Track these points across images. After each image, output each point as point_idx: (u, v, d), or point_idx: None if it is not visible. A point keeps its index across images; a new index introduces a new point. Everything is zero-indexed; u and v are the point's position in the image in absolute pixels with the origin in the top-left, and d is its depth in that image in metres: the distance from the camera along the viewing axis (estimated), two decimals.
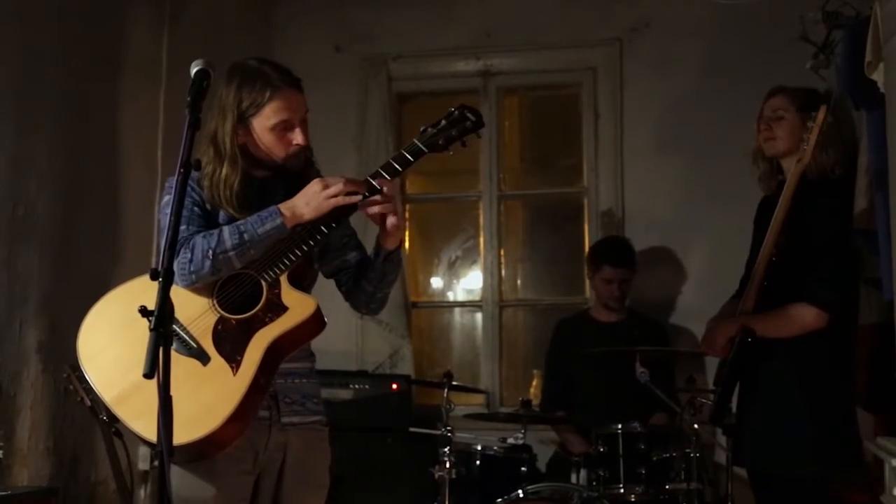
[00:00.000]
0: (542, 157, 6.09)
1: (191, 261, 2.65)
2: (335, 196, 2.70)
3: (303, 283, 2.79)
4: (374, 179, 2.77)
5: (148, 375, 2.03)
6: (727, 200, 5.07)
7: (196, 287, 2.70)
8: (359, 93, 5.76)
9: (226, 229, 2.68)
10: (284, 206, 2.71)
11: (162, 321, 2.08)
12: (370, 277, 2.90)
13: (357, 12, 5.80)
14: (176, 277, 2.62)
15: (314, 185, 2.72)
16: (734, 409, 3.74)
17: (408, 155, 2.80)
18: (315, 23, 5.83)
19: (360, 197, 2.74)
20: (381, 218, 2.80)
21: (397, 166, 2.79)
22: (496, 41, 5.72)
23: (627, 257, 5.09)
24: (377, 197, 2.76)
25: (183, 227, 2.68)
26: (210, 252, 2.65)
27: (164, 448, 2.03)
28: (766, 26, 5.19)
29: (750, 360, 3.51)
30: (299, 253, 2.72)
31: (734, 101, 5.06)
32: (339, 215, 2.75)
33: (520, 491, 4.15)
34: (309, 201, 2.71)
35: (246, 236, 2.67)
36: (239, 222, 2.70)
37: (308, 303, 2.71)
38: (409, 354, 5.50)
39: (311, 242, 2.74)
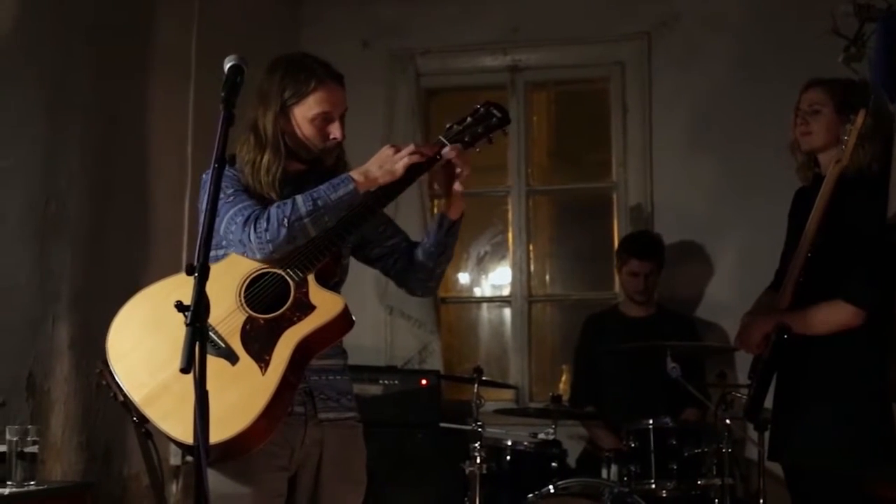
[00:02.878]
0: (570, 152, 6.08)
1: (266, 230, 2.64)
2: (406, 157, 2.73)
3: (330, 281, 2.78)
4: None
5: (185, 370, 2.02)
6: (757, 195, 5.05)
7: (223, 286, 2.65)
8: (386, 88, 5.76)
9: (299, 198, 2.69)
10: (356, 172, 2.74)
11: (198, 316, 2.07)
12: (431, 253, 2.91)
13: (384, 8, 5.80)
14: (252, 249, 2.66)
15: (386, 150, 2.77)
16: (769, 405, 3.71)
17: None
18: (343, 18, 5.83)
19: (429, 154, 2.78)
20: (447, 186, 2.83)
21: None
22: (524, 36, 5.70)
23: (654, 251, 5.07)
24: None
25: (249, 203, 2.72)
26: (285, 220, 2.65)
27: (202, 443, 2.02)
28: (796, 20, 5.15)
29: (786, 356, 3.48)
30: (326, 252, 2.72)
31: (763, 95, 5.04)
32: (413, 175, 2.77)
33: (550, 486, 4.14)
34: (383, 164, 2.74)
35: (320, 202, 2.67)
36: (311, 190, 2.71)
37: (336, 301, 2.70)
38: (438, 350, 5.48)
39: (338, 242, 2.74)
